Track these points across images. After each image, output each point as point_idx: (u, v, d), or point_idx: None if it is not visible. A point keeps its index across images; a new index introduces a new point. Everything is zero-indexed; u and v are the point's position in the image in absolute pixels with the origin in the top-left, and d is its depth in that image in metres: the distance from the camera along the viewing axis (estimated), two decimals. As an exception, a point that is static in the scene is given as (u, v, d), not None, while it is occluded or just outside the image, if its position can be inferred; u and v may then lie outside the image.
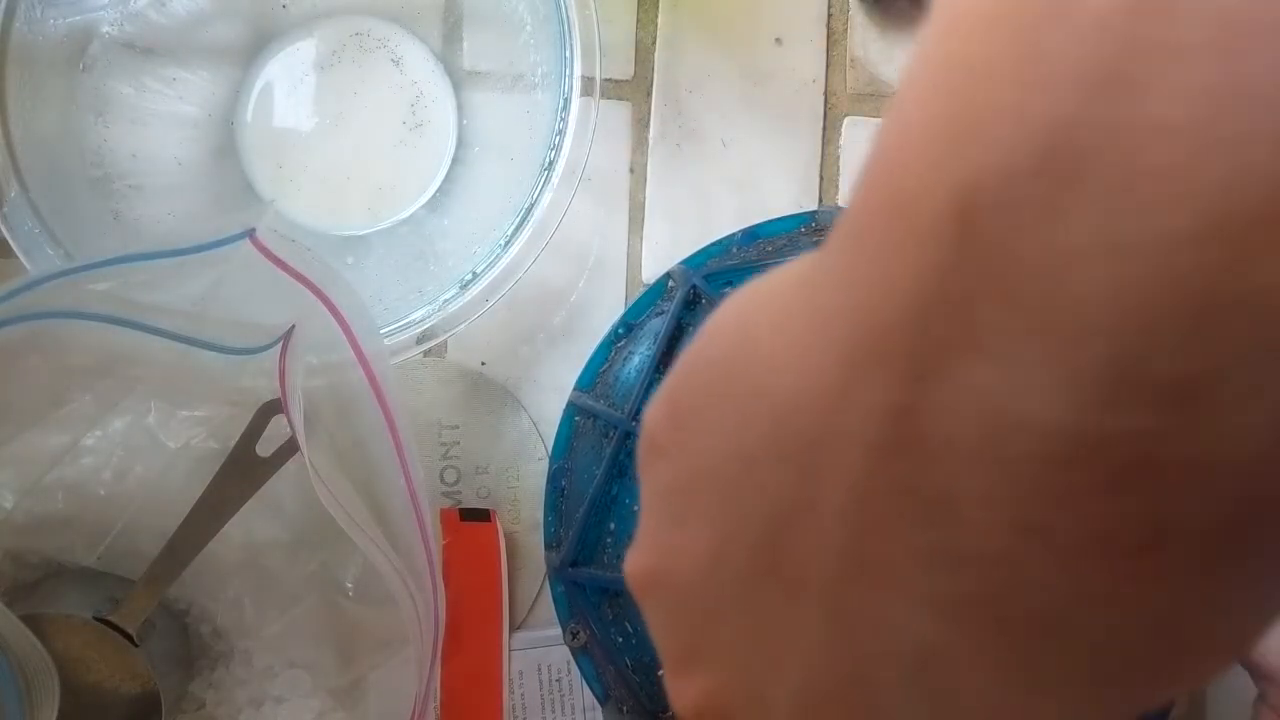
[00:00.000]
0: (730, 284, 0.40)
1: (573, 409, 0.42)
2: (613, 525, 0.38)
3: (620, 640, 0.38)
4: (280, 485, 0.41)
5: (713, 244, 0.43)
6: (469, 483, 0.50)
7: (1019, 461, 0.13)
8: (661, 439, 0.19)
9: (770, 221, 0.43)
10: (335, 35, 0.50)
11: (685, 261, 0.43)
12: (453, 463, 0.50)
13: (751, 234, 0.43)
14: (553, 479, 0.42)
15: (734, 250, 0.43)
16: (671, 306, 0.40)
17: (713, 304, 0.39)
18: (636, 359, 0.41)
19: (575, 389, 0.43)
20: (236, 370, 0.40)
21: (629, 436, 0.39)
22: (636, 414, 0.38)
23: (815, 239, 0.42)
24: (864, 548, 0.15)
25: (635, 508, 0.37)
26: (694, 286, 0.40)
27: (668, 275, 0.42)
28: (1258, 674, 0.35)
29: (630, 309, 0.43)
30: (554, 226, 0.43)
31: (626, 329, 0.42)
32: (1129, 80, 0.11)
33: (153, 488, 0.43)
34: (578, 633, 0.40)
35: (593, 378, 0.43)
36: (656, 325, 0.41)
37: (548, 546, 0.41)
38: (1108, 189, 0.11)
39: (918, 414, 0.13)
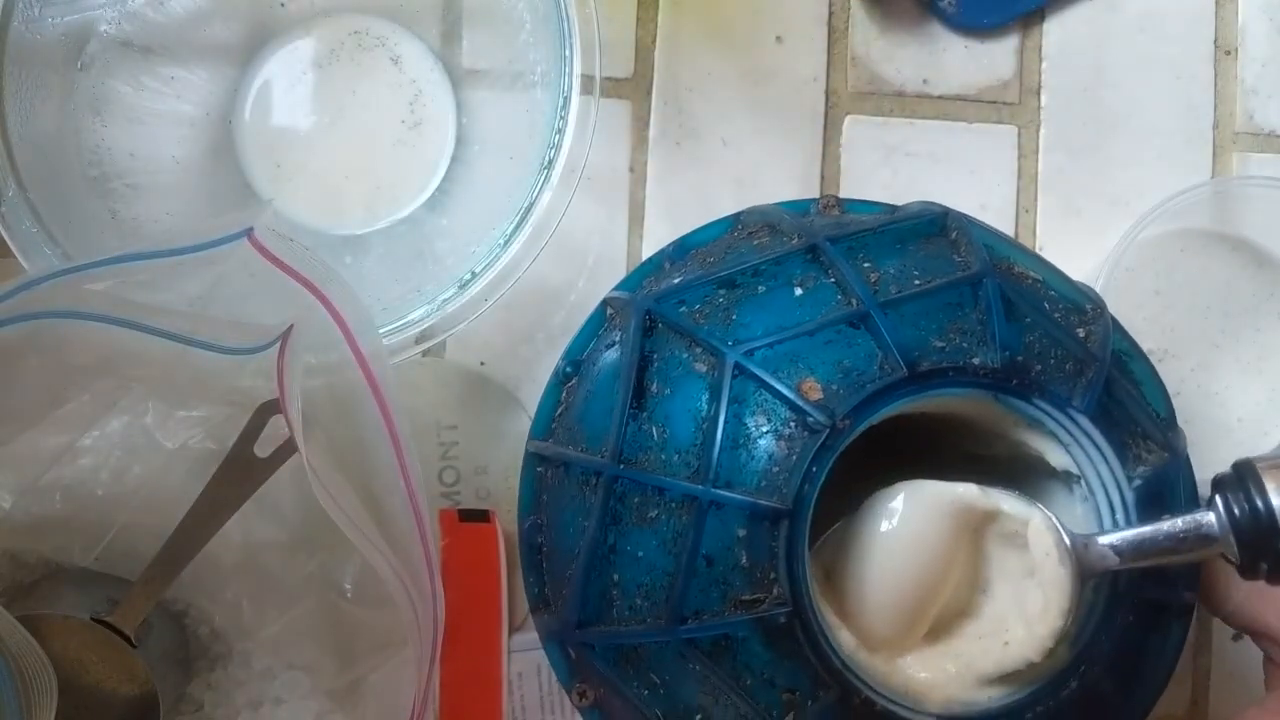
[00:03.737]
0: (683, 303, 0.37)
1: (534, 459, 0.40)
2: (617, 577, 0.35)
3: (647, 692, 0.36)
4: (278, 486, 0.41)
5: (644, 263, 0.41)
6: (468, 483, 0.50)
7: None
8: None
9: (696, 231, 0.42)
10: (333, 34, 0.50)
11: (620, 286, 0.41)
12: (452, 463, 0.50)
13: (681, 246, 0.41)
14: (526, 537, 0.39)
15: (667, 266, 0.41)
16: (626, 336, 0.37)
17: (673, 328, 0.36)
18: (602, 397, 0.38)
19: (531, 438, 0.40)
20: (234, 370, 0.40)
21: (616, 480, 0.35)
22: (621, 456, 0.35)
23: (751, 243, 0.40)
24: None
25: (640, 554, 0.34)
26: (648, 312, 0.37)
27: (604, 303, 0.40)
28: (1263, 638, 0.35)
29: (571, 345, 0.40)
30: (553, 226, 0.43)
31: (575, 367, 0.40)
32: None
33: (151, 488, 0.43)
34: (585, 692, 0.39)
35: (547, 424, 0.40)
36: (611, 358, 0.38)
37: (533, 609, 0.39)
38: None
39: None
